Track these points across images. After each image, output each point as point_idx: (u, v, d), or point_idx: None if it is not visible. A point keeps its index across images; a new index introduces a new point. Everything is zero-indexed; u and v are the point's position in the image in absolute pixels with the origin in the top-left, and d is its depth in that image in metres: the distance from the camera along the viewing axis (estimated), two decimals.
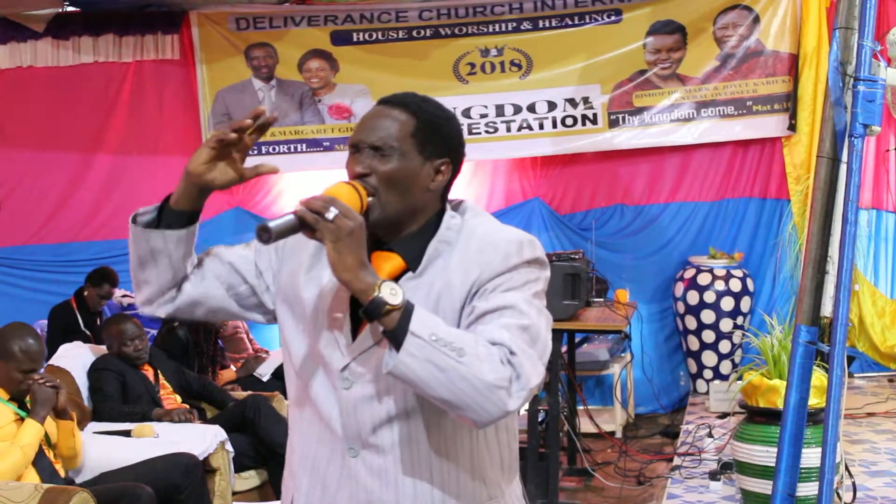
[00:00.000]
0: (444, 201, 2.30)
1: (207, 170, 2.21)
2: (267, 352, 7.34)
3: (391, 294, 2.02)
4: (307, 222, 2.04)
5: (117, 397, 5.92)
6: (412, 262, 2.21)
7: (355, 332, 2.22)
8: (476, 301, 2.14)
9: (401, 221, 2.23)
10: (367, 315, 2.03)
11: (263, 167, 2.25)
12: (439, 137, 2.28)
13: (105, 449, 5.34)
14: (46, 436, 4.96)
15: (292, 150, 9.00)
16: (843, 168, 3.34)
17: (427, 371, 2.00)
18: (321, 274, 2.25)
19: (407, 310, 2.02)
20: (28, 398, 4.89)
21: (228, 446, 5.69)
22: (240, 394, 6.51)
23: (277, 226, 2.06)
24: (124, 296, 8.51)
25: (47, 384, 4.82)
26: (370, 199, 2.17)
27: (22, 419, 4.82)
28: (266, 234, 2.05)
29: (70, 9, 9.03)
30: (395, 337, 2.01)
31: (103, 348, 6.42)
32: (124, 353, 6.03)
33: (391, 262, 2.22)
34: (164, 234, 2.26)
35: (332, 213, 2.03)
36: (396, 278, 2.19)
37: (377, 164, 2.19)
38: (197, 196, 2.26)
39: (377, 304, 2.01)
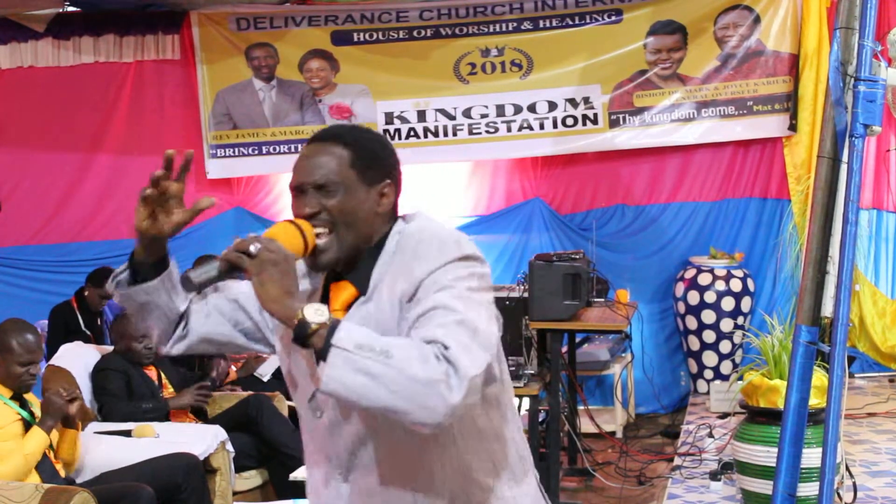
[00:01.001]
0: (394, 219, 2.32)
1: (151, 224, 2.27)
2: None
3: (316, 314, 2.01)
4: (232, 262, 2.09)
5: (124, 396, 5.92)
6: (363, 287, 2.24)
7: None
8: (418, 305, 2.12)
9: (358, 251, 2.26)
10: (296, 340, 2.03)
11: (201, 202, 2.29)
12: (377, 162, 2.30)
13: (106, 449, 5.34)
14: None
15: (293, 150, 8.99)
16: (844, 168, 3.34)
17: (357, 381, 1.98)
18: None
19: (332, 327, 2.01)
20: (39, 406, 4.93)
21: (229, 446, 5.69)
22: (240, 394, 6.50)
23: (199, 274, 2.14)
24: None
25: (67, 396, 4.86)
26: (327, 236, 2.21)
27: (23, 419, 4.83)
28: (189, 284, 2.14)
29: (71, 9, 9.04)
30: (322, 355, 2.00)
31: (105, 348, 6.42)
32: (133, 349, 6.01)
33: (345, 291, 2.26)
34: (144, 288, 2.35)
35: (254, 248, 2.06)
36: (349, 306, 2.24)
37: (325, 202, 2.22)
38: (155, 246, 2.32)
39: (301, 328, 2.01)
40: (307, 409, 2.33)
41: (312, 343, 2.01)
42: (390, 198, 2.30)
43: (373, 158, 2.29)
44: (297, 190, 2.26)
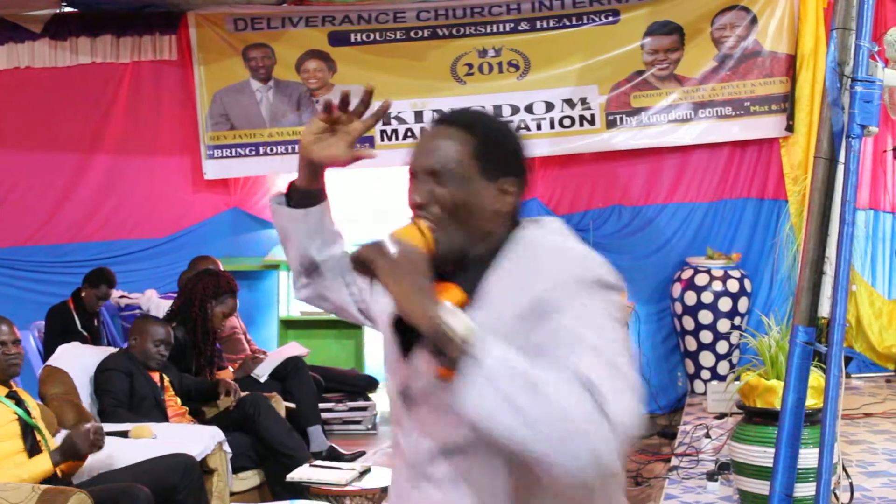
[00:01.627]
0: (515, 222, 2.09)
1: (314, 141, 2.23)
2: (265, 352, 7.34)
3: (456, 319, 1.78)
4: (364, 259, 1.88)
5: (125, 400, 5.91)
6: (472, 293, 1.98)
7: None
8: (540, 327, 1.86)
9: (469, 251, 2.02)
10: (429, 346, 1.82)
11: (361, 152, 2.26)
12: (504, 155, 2.08)
13: (103, 450, 5.33)
14: (43, 436, 4.96)
15: (290, 150, 9.00)
16: (841, 169, 3.34)
17: (499, 410, 1.71)
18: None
19: (473, 338, 1.76)
20: (36, 407, 4.93)
21: (226, 447, 5.69)
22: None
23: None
24: (122, 296, 8.51)
25: (93, 441, 4.84)
26: (436, 230, 1.99)
27: (20, 418, 4.83)
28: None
29: (68, 9, 9.04)
30: (460, 368, 1.75)
31: (102, 349, 6.42)
32: (147, 351, 6.00)
33: (451, 294, 1.96)
34: (288, 212, 2.31)
35: (389, 249, 1.87)
36: None
37: (437, 191, 2.00)
38: (310, 172, 2.28)
39: (439, 333, 1.77)
40: (396, 401, 2.10)
41: (449, 351, 1.76)
42: (513, 197, 2.07)
43: (500, 150, 2.07)
44: (411, 174, 2.05)
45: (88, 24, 9.06)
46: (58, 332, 7.85)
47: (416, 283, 1.83)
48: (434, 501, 2.00)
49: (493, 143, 2.06)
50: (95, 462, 5.11)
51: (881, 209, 8.81)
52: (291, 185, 2.32)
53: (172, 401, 6.15)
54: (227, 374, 6.95)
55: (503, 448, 1.75)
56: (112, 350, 6.36)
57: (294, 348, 7.33)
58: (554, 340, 1.82)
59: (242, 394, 6.37)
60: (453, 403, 1.75)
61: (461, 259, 2.01)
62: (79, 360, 6.14)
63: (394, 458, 2.17)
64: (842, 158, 3.31)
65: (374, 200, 9.18)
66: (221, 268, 7.69)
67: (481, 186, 2.02)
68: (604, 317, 1.86)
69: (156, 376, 6.12)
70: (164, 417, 5.93)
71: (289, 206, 2.31)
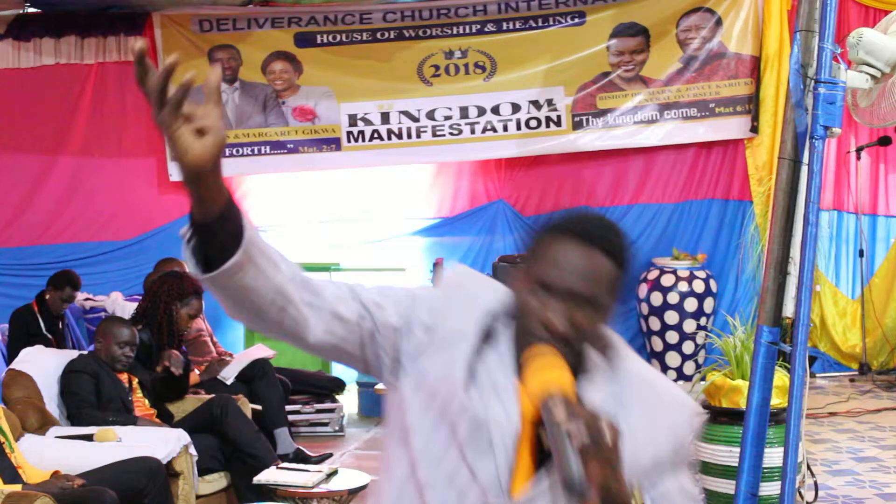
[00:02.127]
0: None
1: (196, 145, 1.64)
2: (231, 355, 7.31)
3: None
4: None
5: (92, 401, 5.87)
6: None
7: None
8: (672, 478, 1.84)
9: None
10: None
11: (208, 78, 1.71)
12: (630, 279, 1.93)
13: (68, 453, 5.29)
14: (8, 439, 4.92)
15: (256, 152, 8.96)
16: (805, 169, 3.36)
17: None
18: (491, 380, 1.84)
19: None
20: (2, 414, 4.90)
21: (192, 449, 5.65)
22: (203, 397, 6.47)
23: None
24: (87, 299, 8.45)
25: (74, 483, 4.81)
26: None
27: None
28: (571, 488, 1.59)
29: (31, 10, 8.96)
30: None
31: (67, 352, 6.37)
32: (112, 353, 5.97)
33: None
34: (229, 270, 1.69)
35: (605, 436, 1.63)
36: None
37: (578, 318, 1.83)
38: (209, 190, 1.66)
39: None
40: (451, 487, 1.84)
41: None
42: None
43: (631, 276, 1.92)
44: (548, 287, 1.83)
45: (52, 24, 9.00)
46: (22, 335, 7.78)
47: (620, 469, 1.64)
48: None
49: (629, 272, 1.91)
50: (61, 466, 5.07)
51: (845, 210, 8.88)
52: (197, 233, 1.69)
53: (140, 401, 6.11)
54: (193, 376, 6.92)
55: None
56: (77, 353, 6.31)
57: (260, 350, 7.30)
58: (682, 497, 1.84)
59: (208, 397, 6.34)
60: None
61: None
62: (43, 364, 6.09)
63: None
64: (805, 159, 3.34)
65: (342, 202, 9.15)
66: (187, 270, 7.65)
67: (611, 314, 1.90)
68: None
69: (123, 377, 6.08)
70: (131, 418, 5.89)
71: (220, 262, 1.68)
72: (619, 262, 1.85)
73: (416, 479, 1.86)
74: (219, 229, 1.66)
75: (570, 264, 1.82)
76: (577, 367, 1.84)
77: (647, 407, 1.85)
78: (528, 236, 1.95)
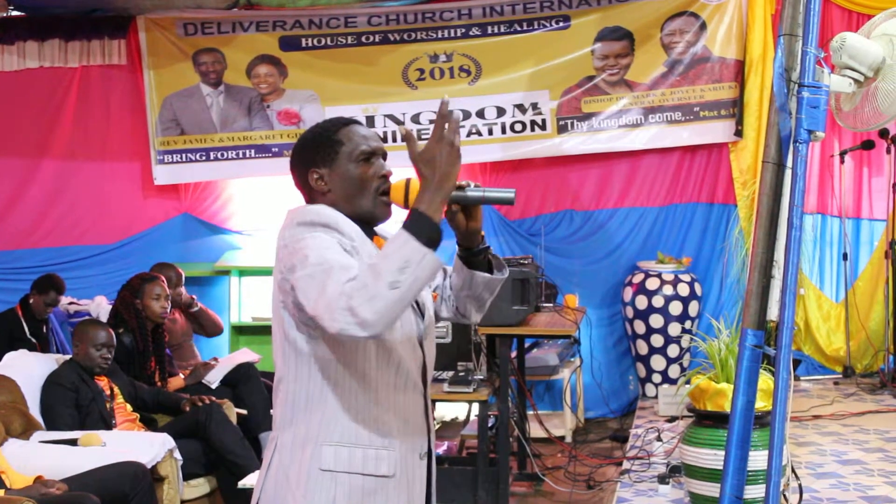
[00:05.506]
0: None
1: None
2: (216, 359, 7.30)
3: None
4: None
5: (66, 415, 5.85)
6: None
7: None
8: None
9: None
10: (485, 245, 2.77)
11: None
12: None
13: (51, 458, 5.28)
14: None
15: (241, 155, 8.96)
16: (789, 173, 3.36)
17: None
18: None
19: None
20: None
21: (177, 454, 5.65)
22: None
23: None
24: (71, 303, 8.42)
25: (57, 488, 4.79)
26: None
27: None
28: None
29: (15, 13, 8.93)
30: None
31: (51, 357, 6.35)
32: (90, 356, 5.96)
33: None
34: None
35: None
36: None
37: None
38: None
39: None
40: (411, 342, 2.64)
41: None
42: None
43: None
44: (373, 153, 2.68)
45: (36, 28, 8.97)
46: (5, 339, 7.74)
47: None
48: (426, 400, 2.70)
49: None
50: (44, 471, 5.06)
51: (828, 213, 8.90)
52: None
53: (122, 407, 6.10)
54: (178, 381, 6.90)
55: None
56: (61, 357, 6.30)
57: (245, 354, 7.28)
58: None
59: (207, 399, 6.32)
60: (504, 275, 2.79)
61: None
62: (27, 368, 6.07)
63: (399, 403, 2.62)
64: (789, 163, 3.34)
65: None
66: (182, 274, 7.65)
67: None
68: None
69: (103, 384, 6.06)
70: (108, 428, 5.87)
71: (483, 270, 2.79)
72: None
73: (393, 354, 2.58)
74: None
75: (366, 135, 2.70)
76: None
77: None
78: (318, 151, 2.70)
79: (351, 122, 2.72)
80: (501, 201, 2.60)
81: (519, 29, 8.86)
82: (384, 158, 2.69)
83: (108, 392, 6.06)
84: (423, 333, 2.69)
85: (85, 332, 6.06)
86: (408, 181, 2.56)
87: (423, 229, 2.31)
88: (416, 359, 2.64)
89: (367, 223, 2.66)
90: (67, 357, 6.25)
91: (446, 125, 2.37)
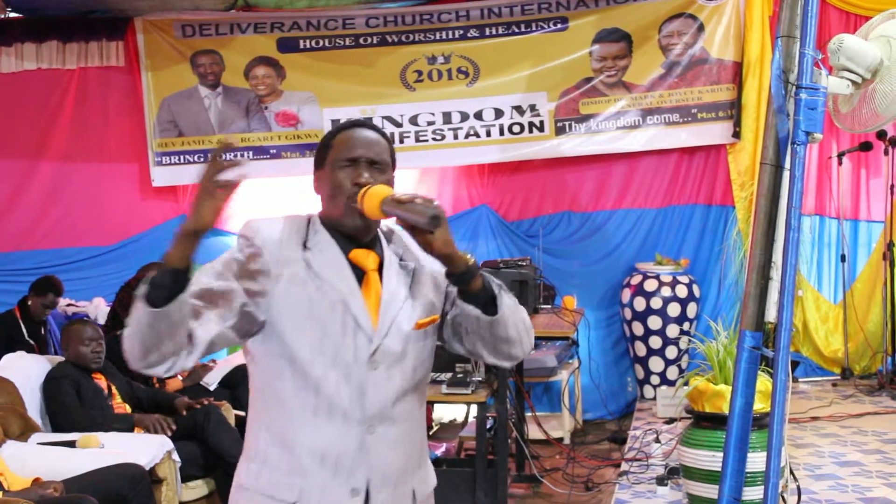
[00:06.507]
0: None
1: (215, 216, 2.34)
2: (214, 361, 7.29)
3: (472, 258, 2.44)
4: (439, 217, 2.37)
5: (75, 405, 5.86)
6: (381, 257, 2.56)
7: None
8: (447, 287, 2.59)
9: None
10: (466, 275, 2.43)
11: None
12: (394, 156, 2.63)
13: (50, 460, 5.28)
14: None
15: (239, 157, 8.94)
16: (787, 175, 3.36)
17: (511, 311, 2.49)
18: (324, 277, 2.45)
19: (477, 267, 2.46)
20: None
21: (175, 456, 5.65)
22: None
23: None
24: (69, 305, 8.42)
25: (55, 490, 4.79)
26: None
27: None
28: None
29: (13, 15, 8.93)
30: (488, 289, 2.47)
31: (48, 358, 6.35)
32: (81, 353, 5.97)
33: (370, 258, 2.52)
34: (180, 301, 2.20)
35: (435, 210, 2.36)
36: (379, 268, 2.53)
37: (377, 176, 2.50)
38: (193, 243, 2.27)
39: (472, 267, 2.43)
40: (349, 366, 2.43)
41: (475, 281, 2.44)
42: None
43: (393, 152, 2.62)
44: (352, 161, 2.51)
45: (33, 29, 8.96)
46: (3, 341, 7.74)
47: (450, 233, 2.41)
48: (389, 438, 2.47)
49: (391, 146, 2.64)
50: (43, 472, 5.06)
51: (826, 215, 8.91)
52: (172, 272, 2.21)
53: (121, 407, 6.10)
54: (177, 382, 6.89)
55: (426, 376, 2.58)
56: (58, 359, 6.30)
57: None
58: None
59: (205, 401, 6.32)
60: (496, 316, 2.46)
61: (373, 231, 2.58)
62: (25, 370, 6.07)
63: (319, 432, 2.43)
64: (787, 165, 3.34)
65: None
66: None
67: (392, 177, 2.60)
68: None
69: (102, 383, 6.06)
70: (111, 423, 5.87)
71: (177, 296, 2.20)
72: (383, 136, 2.59)
73: (310, 377, 2.41)
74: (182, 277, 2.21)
75: (355, 141, 2.53)
76: None
77: (400, 244, 2.62)
78: (317, 154, 2.60)
79: (353, 126, 2.59)
80: (414, 222, 2.36)
81: (517, 30, 8.87)
82: (372, 166, 2.50)
83: (106, 391, 6.06)
84: (379, 358, 2.45)
85: (71, 332, 6.09)
86: (368, 188, 2.44)
87: (157, 275, 2.20)
88: (352, 384, 2.42)
89: (348, 234, 2.50)
90: (61, 359, 6.25)
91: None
